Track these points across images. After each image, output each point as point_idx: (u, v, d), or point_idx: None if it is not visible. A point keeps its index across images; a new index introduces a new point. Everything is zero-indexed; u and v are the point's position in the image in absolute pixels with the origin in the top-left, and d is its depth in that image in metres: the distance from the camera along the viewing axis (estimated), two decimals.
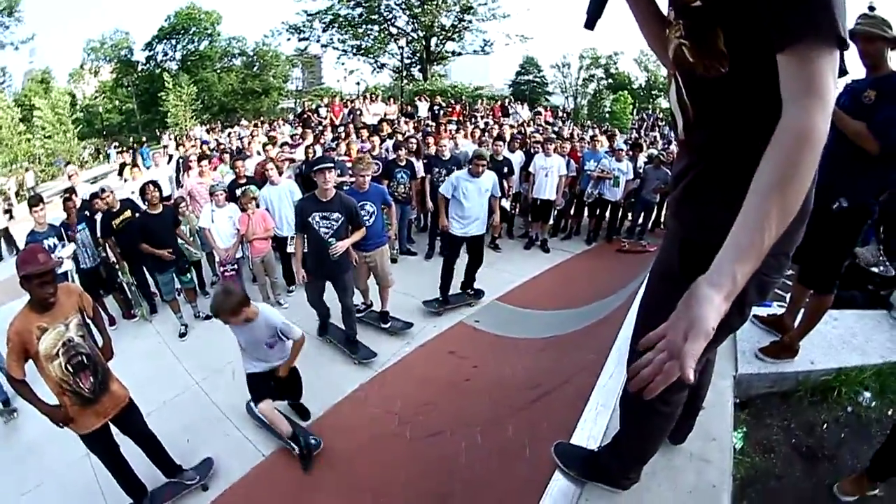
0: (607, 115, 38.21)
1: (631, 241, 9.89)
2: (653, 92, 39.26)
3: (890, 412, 3.07)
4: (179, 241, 6.96)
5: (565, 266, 8.84)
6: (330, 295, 5.73)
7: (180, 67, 40.49)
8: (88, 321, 3.59)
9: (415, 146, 9.20)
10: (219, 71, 41.23)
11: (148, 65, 41.77)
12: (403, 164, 8.37)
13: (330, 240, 5.16)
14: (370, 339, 5.94)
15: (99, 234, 7.01)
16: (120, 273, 7.28)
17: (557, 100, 42.66)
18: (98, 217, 7.07)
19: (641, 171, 10.05)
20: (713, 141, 1.39)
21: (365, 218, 5.66)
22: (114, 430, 3.67)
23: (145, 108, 40.08)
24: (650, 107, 37.35)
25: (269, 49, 42.13)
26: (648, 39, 1.66)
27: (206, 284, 8.07)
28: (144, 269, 7.22)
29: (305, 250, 5.34)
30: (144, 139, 27.85)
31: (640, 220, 10.43)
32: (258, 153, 10.33)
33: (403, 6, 39.78)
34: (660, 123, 26.40)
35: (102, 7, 60.13)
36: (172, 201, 8.11)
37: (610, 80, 40.06)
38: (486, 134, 11.41)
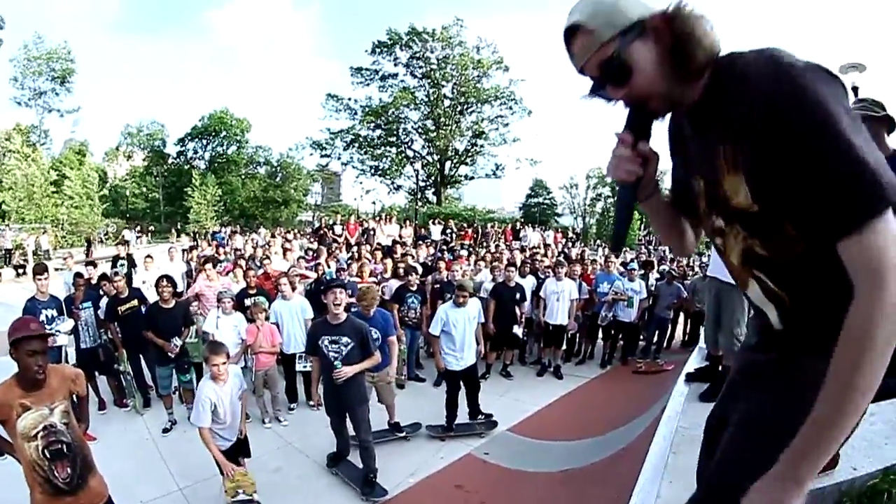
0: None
1: (647, 362, 9.55)
2: None
3: None
4: (188, 340, 6.91)
5: (580, 392, 8.52)
6: None
7: (208, 167, 42.63)
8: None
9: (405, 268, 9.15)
10: (243, 177, 43.44)
11: (178, 159, 44.64)
12: (414, 288, 8.36)
13: (336, 363, 5.00)
14: None
15: (103, 317, 7.01)
16: (118, 360, 7.16)
17: (567, 220, 43.63)
18: (104, 300, 7.11)
19: (654, 287, 9.95)
20: (811, 318, 1.29)
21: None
22: None
23: (170, 200, 41.93)
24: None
25: (292, 161, 44.33)
26: (670, 241, 1.69)
27: None
28: (143, 360, 7.12)
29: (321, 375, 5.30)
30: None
31: (656, 339, 10.23)
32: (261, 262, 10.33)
33: (420, 130, 42.10)
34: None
35: (145, 95, 64.38)
36: (184, 299, 8.11)
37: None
38: (497, 260, 11.39)
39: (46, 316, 6.37)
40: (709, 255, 11.01)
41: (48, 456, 3.01)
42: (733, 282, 1.46)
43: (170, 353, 6.57)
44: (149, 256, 10.67)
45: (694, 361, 5.83)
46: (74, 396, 3.35)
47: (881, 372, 0.98)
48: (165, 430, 6.49)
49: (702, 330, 7.48)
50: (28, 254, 21.78)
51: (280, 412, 7.06)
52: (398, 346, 7.11)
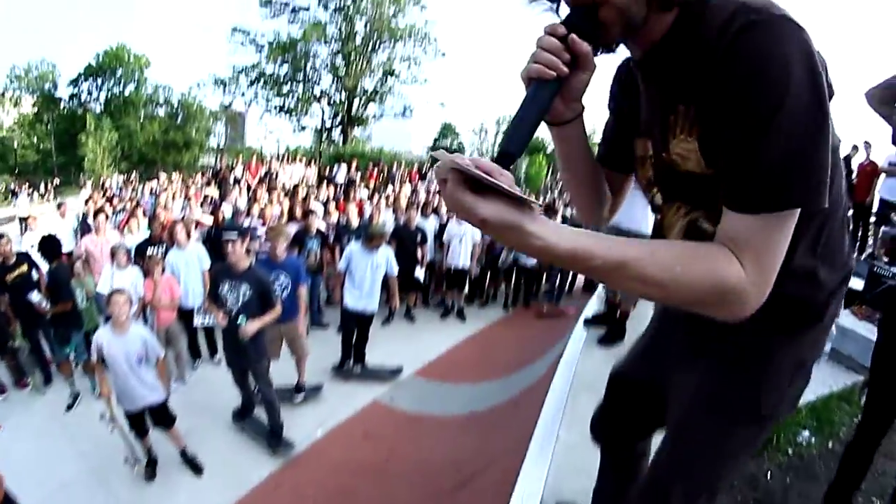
0: (523, 178, 39.26)
1: (549, 306, 9.82)
2: None
3: (830, 444, 3.04)
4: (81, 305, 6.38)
5: (484, 334, 8.70)
6: None
7: (104, 110, 38.82)
8: None
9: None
10: (142, 119, 39.86)
11: (71, 103, 40.12)
12: (314, 232, 8.10)
13: (239, 317, 4.82)
14: None
15: None
16: (12, 335, 6.48)
17: None
18: None
19: None
20: None
21: (277, 292, 5.37)
22: None
23: (63, 149, 37.81)
24: None
25: (194, 101, 41.16)
26: (581, 199, 1.43)
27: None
28: (40, 332, 6.50)
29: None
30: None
31: (558, 283, 10.37)
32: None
33: (329, 67, 40.14)
34: None
35: (35, 32, 55.32)
36: (69, 260, 7.30)
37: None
38: (397, 201, 11.25)
39: None
40: None
41: None
42: (637, 229, 1.36)
43: (40, 312, 6.02)
44: (31, 217, 9.70)
45: (593, 307, 6.05)
46: None
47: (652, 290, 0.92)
48: (69, 407, 5.99)
49: None
50: None
51: (184, 370, 6.72)
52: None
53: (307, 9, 39.06)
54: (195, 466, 4.91)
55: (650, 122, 1.20)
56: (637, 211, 3.86)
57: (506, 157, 0.93)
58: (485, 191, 0.81)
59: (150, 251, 6.98)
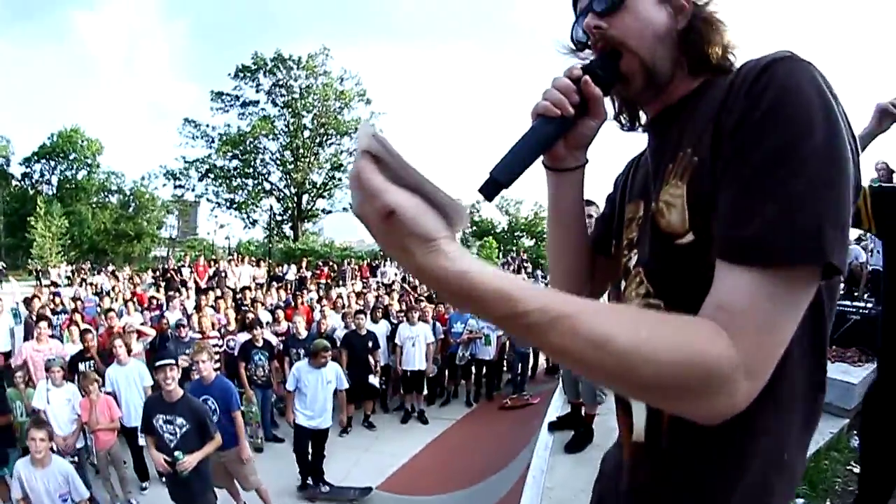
0: None
1: (513, 397, 9.56)
2: (515, 234, 41.34)
3: (829, 502, 2.89)
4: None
5: (448, 436, 8.38)
6: None
7: (55, 194, 37.85)
8: None
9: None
10: (94, 206, 39.08)
11: (23, 182, 39.20)
12: (261, 344, 7.80)
13: (177, 453, 4.48)
14: None
15: None
16: None
17: None
18: None
19: None
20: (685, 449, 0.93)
21: None
22: None
23: (12, 230, 36.35)
24: (514, 248, 39.04)
25: (146, 191, 40.55)
26: (559, 265, 1.29)
27: None
28: None
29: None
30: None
31: (520, 371, 10.12)
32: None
33: (278, 161, 40.65)
34: (525, 265, 27.40)
35: None
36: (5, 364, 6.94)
37: (474, 228, 41.55)
38: (351, 300, 11.11)
39: None
40: None
41: None
42: None
43: None
44: None
45: (555, 407, 5.87)
46: None
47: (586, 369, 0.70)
48: None
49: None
50: None
51: (131, 494, 6.21)
52: (253, 407, 7.02)
53: (256, 103, 40.11)
54: None
55: (647, 180, 1.06)
56: None
57: (492, 185, 0.84)
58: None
59: (81, 367, 6.70)
